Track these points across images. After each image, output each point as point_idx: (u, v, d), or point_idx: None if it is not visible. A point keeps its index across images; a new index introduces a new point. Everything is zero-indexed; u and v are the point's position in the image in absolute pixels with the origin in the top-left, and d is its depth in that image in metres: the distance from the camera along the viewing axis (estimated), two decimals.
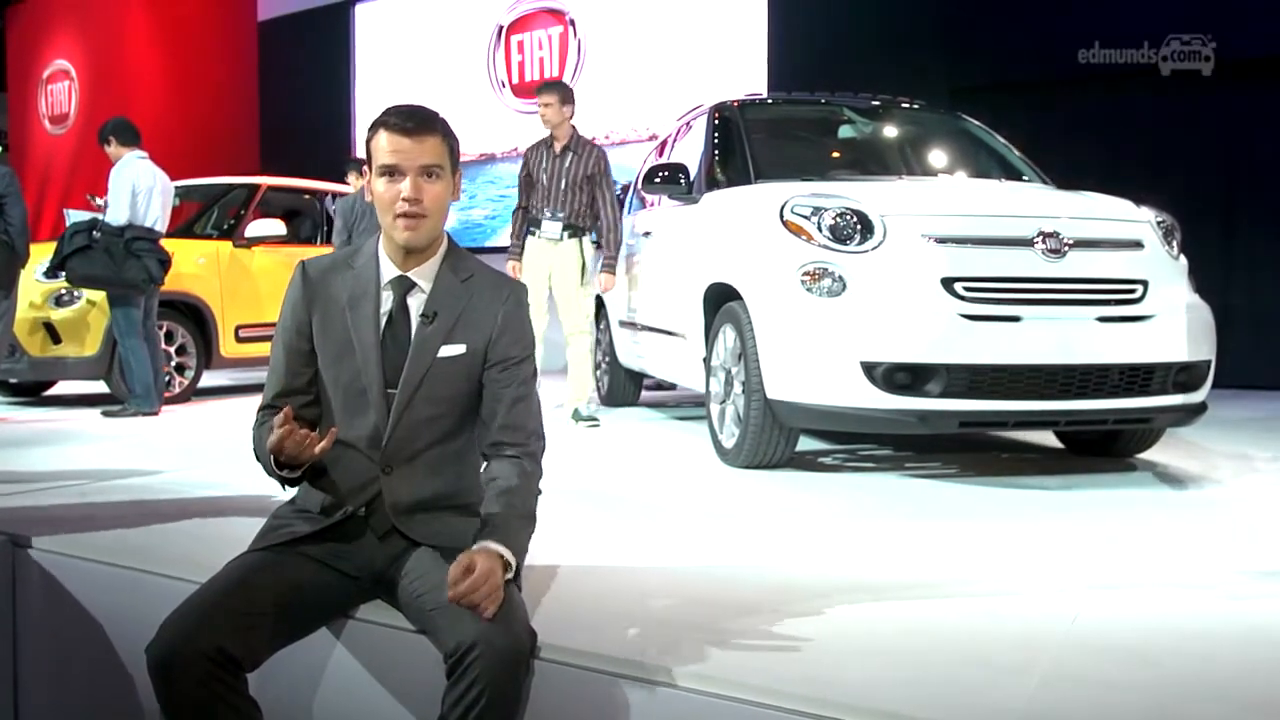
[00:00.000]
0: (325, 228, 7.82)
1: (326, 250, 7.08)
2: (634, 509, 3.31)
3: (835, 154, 5.16)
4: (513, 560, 1.79)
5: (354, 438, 1.95)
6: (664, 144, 5.96)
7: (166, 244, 5.90)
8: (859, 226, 3.61)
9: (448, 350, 1.95)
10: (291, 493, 2.04)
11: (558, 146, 5.34)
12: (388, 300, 1.96)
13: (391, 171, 1.88)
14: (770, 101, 5.70)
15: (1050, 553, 2.71)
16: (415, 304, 1.97)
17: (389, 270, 1.97)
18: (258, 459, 1.99)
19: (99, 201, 6.27)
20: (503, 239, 10.60)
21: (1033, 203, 3.98)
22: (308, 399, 2.00)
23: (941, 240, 3.55)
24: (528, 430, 1.98)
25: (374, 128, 1.92)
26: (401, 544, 1.93)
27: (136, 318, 5.70)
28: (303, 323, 1.97)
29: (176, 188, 6.24)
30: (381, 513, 1.94)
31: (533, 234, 5.34)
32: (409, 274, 1.97)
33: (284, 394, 1.99)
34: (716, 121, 4.91)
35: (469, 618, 1.67)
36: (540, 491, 1.99)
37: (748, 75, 8.78)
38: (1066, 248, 3.56)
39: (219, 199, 7.61)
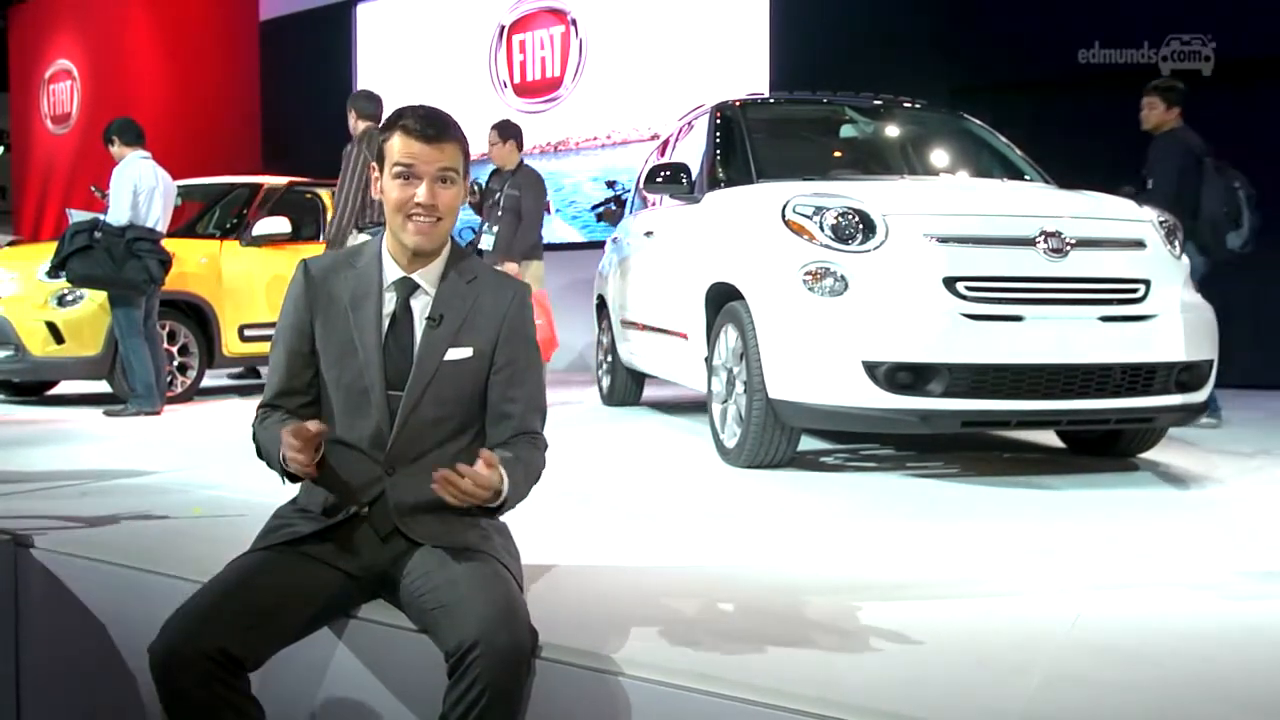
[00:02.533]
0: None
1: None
2: (635, 509, 3.31)
3: (837, 153, 5.16)
4: (505, 490, 1.82)
5: (355, 438, 1.95)
6: (666, 144, 5.96)
7: (168, 244, 5.91)
8: (861, 226, 3.61)
9: (454, 354, 1.95)
10: (292, 490, 2.04)
11: None
12: (390, 301, 1.96)
13: (407, 174, 1.89)
14: (772, 101, 5.71)
15: (1051, 553, 2.71)
16: (419, 306, 1.97)
17: (393, 271, 1.97)
18: (260, 455, 1.99)
19: (103, 194, 6.28)
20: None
21: (1035, 202, 3.98)
22: (307, 399, 2.01)
23: (943, 240, 3.55)
24: (537, 431, 2.01)
25: (390, 128, 1.92)
26: (404, 544, 1.93)
27: (137, 318, 5.71)
28: (304, 322, 1.97)
29: (178, 187, 6.25)
30: (384, 513, 1.94)
31: None
32: (413, 275, 1.97)
33: (284, 393, 1.99)
34: (718, 121, 4.91)
35: (470, 617, 1.67)
36: (540, 476, 2.01)
37: (749, 75, 8.77)
38: (1068, 247, 3.56)
39: (221, 198, 7.61)
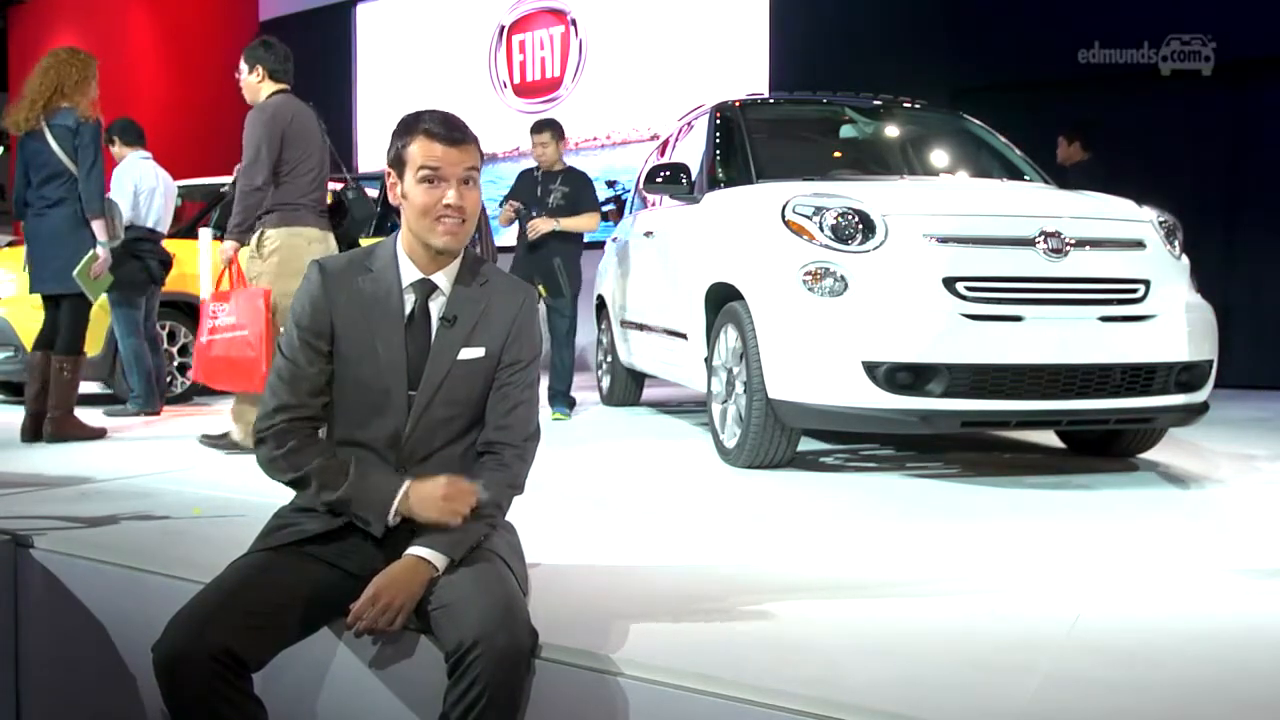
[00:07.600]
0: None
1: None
2: (635, 509, 3.31)
3: (837, 154, 5.15)
4: (438, 562, 1.82)
5: (371, 438, 1.96)
6: (665, 144, 5.96)
7: (168, 244, 5.91)
8: (860, 226, 3.61)
9: (467, 353, 1.97)
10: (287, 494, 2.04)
11: None
12: (409, 302, 1.97)
13: (433, 178, 1.89)
14: (772, 101, 5.70)
15: (1051, 553, 2.71)
16: (435, 307, 1.99)
17: (410, 272, 1.98)
18: (294, 483, 1.93)
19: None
20: (504, 238, 10.62)
21: (1034, 202, 3.98)
22: (328, 399, 1.99)
23: (943, 240, 3.55)
24: (524, 434, 2.01)
25: (409, 133, 1.91)
26: (407, 543, 1.93)
27: (137, 318, 5.71)
28: (322, 323, 1.95)
29: (179, 187, 6.25)
30: None
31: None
32: (431, 277, 1.98)
33: (313, 394, 1.95)
34: (718, 121, 4.91)
35: (470, 617, 1.68)
36: (520, 488, 2.01)
37: (749, 75, 8.78)
38: (1068, 247, 3.56)
39: (221, 199, 7.60)
